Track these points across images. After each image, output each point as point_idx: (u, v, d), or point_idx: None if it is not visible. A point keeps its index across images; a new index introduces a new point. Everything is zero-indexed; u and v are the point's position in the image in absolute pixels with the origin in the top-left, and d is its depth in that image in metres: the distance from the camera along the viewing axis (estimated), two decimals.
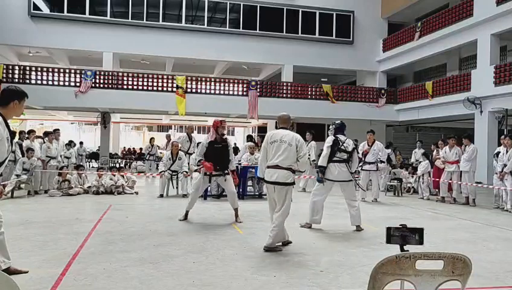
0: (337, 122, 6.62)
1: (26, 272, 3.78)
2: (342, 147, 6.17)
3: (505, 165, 8.61)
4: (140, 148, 25.04)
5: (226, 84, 17.88)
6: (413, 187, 11.60)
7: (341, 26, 19.88)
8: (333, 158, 6.18)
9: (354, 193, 6.35)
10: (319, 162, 6.39)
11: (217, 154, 6.57)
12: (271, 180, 4.93)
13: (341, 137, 6.31)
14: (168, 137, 16.06)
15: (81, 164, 10.65)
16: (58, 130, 11.49)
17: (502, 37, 14.52)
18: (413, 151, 13.36)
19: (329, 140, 6.33)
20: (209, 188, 8.62)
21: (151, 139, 17.75)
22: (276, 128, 5.34)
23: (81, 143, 18.75)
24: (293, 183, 4.98)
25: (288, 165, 4.89)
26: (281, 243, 5.03)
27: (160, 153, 17.97)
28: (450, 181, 9.79)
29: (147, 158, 16.90)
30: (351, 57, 20.01)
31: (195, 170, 6.20)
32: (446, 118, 17.25)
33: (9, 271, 3.57)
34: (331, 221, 6.76)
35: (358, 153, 6.23)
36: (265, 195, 10.06)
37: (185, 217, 6.71)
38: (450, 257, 1.71)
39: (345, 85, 20.95)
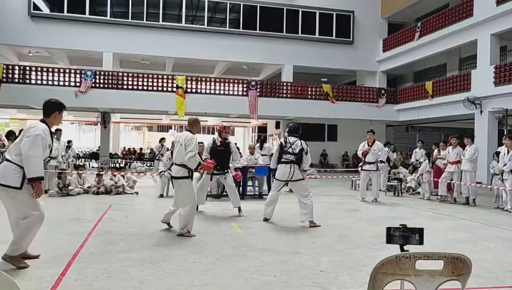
0: (290, 124, 6.85)
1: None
2: (289, 150, 6.36)
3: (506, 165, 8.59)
4: (140, 148, 25.04)
5: (226, 84, 17.87)
6: (412, 187, 11.59)
7: (341, 26, 19.88)
8: (281, 159, 6.43)
9: (305, 189, 6.40)
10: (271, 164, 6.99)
11: (219, 155, 7.32)
12: (172, 175, 5.75)
13: (291, 139, 6.46)
14: None
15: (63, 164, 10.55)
16: (61, 130, 11.45)
17: (502, 37, 14.52)
18: (414, 151, 13.32)
19: (276, 144, 6.75)
20: (209, 187, 8.67)
21: (162, 139, 17.15)
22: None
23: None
24: (185, 177, 5.48)
25: (179, 162, 5.48)
26: (187, 231, 5.49)
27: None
28: (450, 181, 9.78)
29: (157, 158, 16.18)
30: (351, 57, 20.01)
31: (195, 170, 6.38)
32: (446, 118, 17.25)
33: (24, 255, 4.02)
34: (331, 221, 6.76)
35: (307, 153, 6.43)
36: (265, 195, 10.07)
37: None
38: (450, 257, 1.71)
39: (345, 85, 20.97)
